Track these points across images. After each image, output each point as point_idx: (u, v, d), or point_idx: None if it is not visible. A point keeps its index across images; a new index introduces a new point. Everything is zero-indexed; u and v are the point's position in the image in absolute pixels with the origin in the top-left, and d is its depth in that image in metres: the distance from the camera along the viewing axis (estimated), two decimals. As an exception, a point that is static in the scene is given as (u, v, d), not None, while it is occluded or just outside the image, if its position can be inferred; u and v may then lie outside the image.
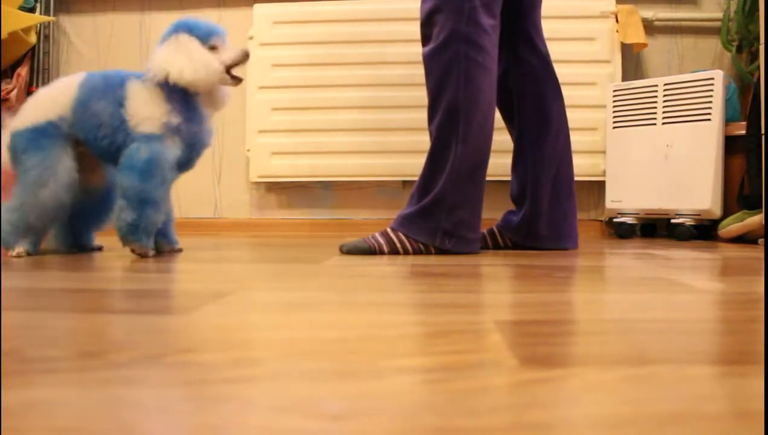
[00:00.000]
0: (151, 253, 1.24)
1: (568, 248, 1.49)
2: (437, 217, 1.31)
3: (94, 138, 1.25)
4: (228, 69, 1.28)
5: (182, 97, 1.24)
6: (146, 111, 1.22)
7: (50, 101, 1.26)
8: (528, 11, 1.47)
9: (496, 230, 1.54)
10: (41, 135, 1.24)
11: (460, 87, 1.29)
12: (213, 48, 1.28)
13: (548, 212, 1.49)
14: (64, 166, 1.24)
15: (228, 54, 1.28)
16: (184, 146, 1.26)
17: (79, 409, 0.31)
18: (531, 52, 1.48)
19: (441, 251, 1.34)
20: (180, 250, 1.39)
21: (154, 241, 1.32)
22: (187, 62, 1.23)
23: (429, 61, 1.32)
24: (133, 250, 1.23)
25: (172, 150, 1.23)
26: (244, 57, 1.29)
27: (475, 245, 1.37)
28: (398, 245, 1.33)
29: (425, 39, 1.34)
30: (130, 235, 1.21)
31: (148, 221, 1.21)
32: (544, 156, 1.49)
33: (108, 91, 1.25)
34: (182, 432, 0.29)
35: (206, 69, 1.24)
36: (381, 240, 1.34)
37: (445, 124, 1.31)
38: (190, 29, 1.27)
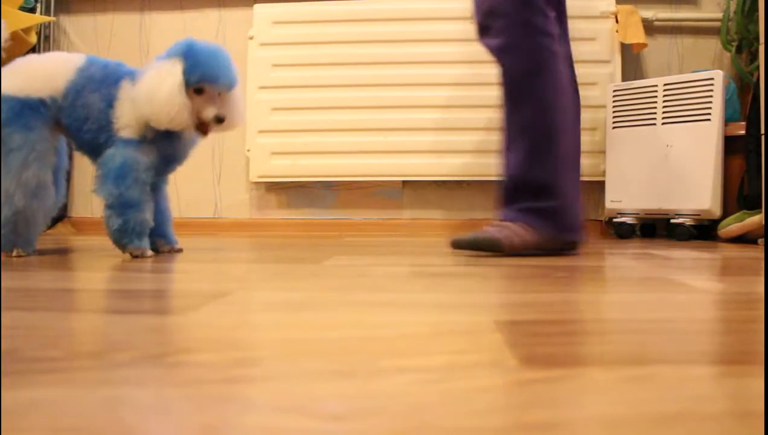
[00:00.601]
0: (149, 253, 1.24)
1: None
2: (561, 210, 1.31)
3: (78, 129, 1.23)
4: (202, 121, 1.22)
5: None
6: (130, 118, 1.21)
7: (45, 77, 1.23)
8: (563, 10, 1.48)
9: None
10: (30, 112, 1.21)
11: (547, 79, 1.29)
12: (200, 91, 1.20)
13: None
14: (47, 148, 1.22)
15: (207, 111, 1.20)
16: (159, 157, 1.26)
17: (79, 409, 0.31)
18: (564, 53, 1.49)
19: (565, 244, 1.33)
20: (180, 250, 1.39)
21: (153, 241, 1.32)
22: (157, 105, 1.16)
23: (502, 54, 1.31)
24: (131, 254, 1.23)
25: (148, 155, 1.22)
26: (216, 121, 1.21)
27: (582, 233, 1.36)
28: (524, 239, 1.30)
29: (485, 30, 1.33)
30: (121, 239, 1.22)
31: (135, 222, 1.21)
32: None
33: (103, 85, 1.23)
34: (182, 432, 0.29)
35: (171, 121, 1.18)
36: (506, 232, 1.30)
37: (542, 118, 1.30)
38: (192, 67, 1.19)
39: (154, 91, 1.17)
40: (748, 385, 0.36)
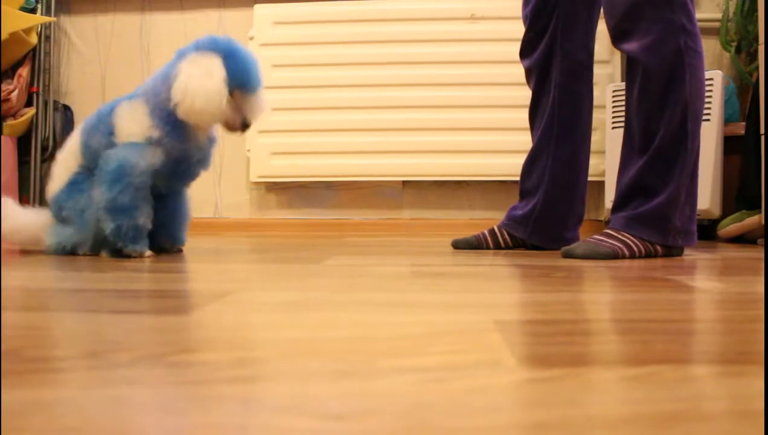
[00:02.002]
0: (147, 253, 1.24)
1: None
2: (670, 216, 1.27)
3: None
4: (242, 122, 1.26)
5: (166, 113, 1.23)
6: (130, 128, 1.24)
7: (68, 157, 1.32)
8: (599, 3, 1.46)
9: (497, 229, 1.54)
10: (76, 184, 1.29)
11: (686, 81, 1.25)
12: (231, 93, 1.23)
13: (559, 215, 1.48)
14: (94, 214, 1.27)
15: (235, 116, 1.24)
16: (169, 159, 1.26)
17: (80, 409, 0.31)
18: (585, 46, 1.47)
19: (668, 250, 1.30)
20: (179, 251, 1.39)
21: (161, 240, 1.34)
22: (202, 102, 1.18)
23: (644, 56, 1.26)
24: (129, 255, 1.23)
25: (148, 157, 1.23)
26: (243, 127, 1.26)
27: (695, 236, 1.33)
28: (634, 247, 1.27)
29: (625, 34, 1.28)
30: (115, 243, 1.22)
31: (127, 227, 1.21)
32: (566, 156, 1.47)
33: (100, 124, 1.28)
34: (183, 432, 0.29)
35: (211, 118, 1.21)
36: (616, 243, 1.27)
37: (675, 121, 1.26)
38: (233, 71, 1.22)
39: (201, 87, 1.19)
40: (748, 385, 0.36)
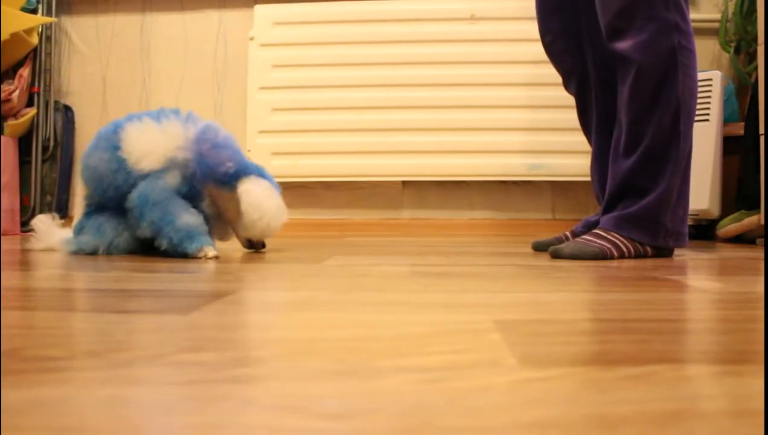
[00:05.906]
0: (212, 253, 1.23)
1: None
2: (661, 217, 1.26)
3: (104, 194, 1.31)
4: None
5: (202, 169, 1.28)
6: (147, 146, 1.26)
7: (78, 199, 1.38)
8: None
9: (568, 234, 1.48)
10: (91, 213, 1.34)
11: (679, 80, 1.24)
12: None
13: None
14: (112, 226, 1.32)
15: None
16: (185, 181, 1.28)
17: (80, 409, 0.32)
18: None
19: (658, 251, 1.29)
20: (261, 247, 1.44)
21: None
22: (276, 221, 1.35)
23: (638, 55, 1.24)
24: (195, 257, 1.24)
25: (167, 180, 1.26)
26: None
27: (687, 238, 1.32)
28: (623, 247, 1.26)
29: (619, 32, 1.26)
30: (177, 251, 1.24)
31: (173, 232, 1.23)
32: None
33: (101, 142, 1.31)
34: (182, 431, 0.29)
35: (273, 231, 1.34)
36: (605, 243, 1.25)
37: (666, 121, 1.25)
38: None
39: (274, 207, 1.34)
40: (748, 385, 0.36)
